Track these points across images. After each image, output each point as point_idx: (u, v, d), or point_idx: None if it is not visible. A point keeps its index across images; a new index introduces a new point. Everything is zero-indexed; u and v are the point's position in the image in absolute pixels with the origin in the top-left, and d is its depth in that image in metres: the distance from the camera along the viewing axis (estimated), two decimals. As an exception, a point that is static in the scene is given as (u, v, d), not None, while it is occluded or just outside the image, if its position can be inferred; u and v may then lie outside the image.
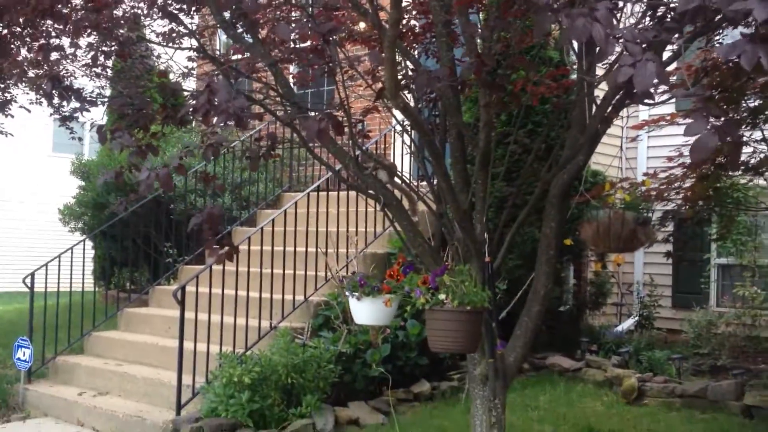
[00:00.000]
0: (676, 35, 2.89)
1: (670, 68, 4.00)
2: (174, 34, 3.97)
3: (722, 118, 2.05)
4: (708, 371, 7.35)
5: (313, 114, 3.58)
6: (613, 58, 2.56)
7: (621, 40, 2.07)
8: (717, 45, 4.31)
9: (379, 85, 3.82)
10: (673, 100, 3.61)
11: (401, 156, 8.80)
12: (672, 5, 2.85)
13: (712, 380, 6.96)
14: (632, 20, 3.66)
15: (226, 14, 3.85)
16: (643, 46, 2.10)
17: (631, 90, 2.69)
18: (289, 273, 7.19)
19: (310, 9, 3.90)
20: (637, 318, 9.23)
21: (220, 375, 5.93)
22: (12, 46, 6.10)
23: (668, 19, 2.94)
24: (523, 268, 7.42)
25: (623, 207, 4.14)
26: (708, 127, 1.97)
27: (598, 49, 2.34)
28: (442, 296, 3.69)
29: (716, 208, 6.07)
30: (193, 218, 3.64)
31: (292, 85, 4.36)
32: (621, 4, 3.16)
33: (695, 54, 4.76)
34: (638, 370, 7.31)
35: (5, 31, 5.90)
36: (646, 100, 2.97)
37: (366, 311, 4.12)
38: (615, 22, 2.54)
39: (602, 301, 9.19)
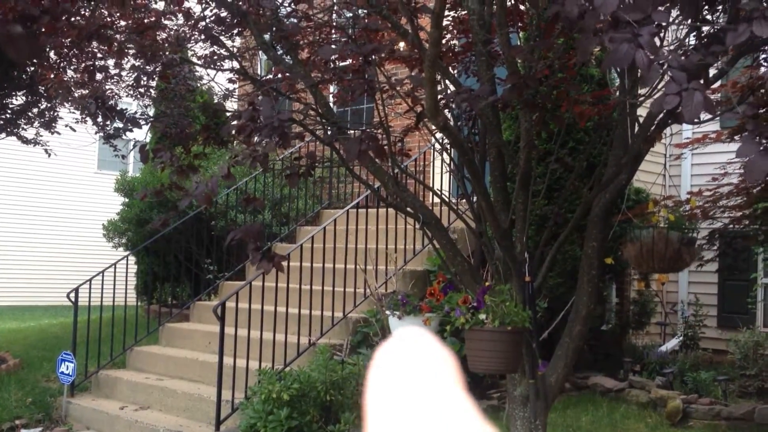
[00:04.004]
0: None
1: (715, 85, 3.94)
2: (215, 57, 4.02)
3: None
4: (755, 393, 7.17)
5: (352, 134, 3.59)
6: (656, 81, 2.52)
7: (665, 66, 2.03)
8: (763, 62, 4.23)
9: (419, 107, 3.82)
10: (718, 118, 3.54)
11: (440, 174, 8.79)
12: (716, 27, 2.80)
13: (759, 402, 6.78)
14: (673, 36, 3.60)
15: (266, 36, 3.88)
16: (688, 69, 2.05)
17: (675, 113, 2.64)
18: (328, 290, 7.21)
19: (351, 30, 3.92)
20: (681, 338, 9.04)
21: (259, 391, 5.94)
22: (54, 61, 6.23)
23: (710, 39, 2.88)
24: (564, 286, 7.33)
25: (667, 226, 4.07)
26: (760, 148, 1.92)
27: (640, 73, 2.31)
28: (482, 316, 3.66)
29: (763, 226, 5.93)
30: (231, 232, 3.66)
31: (331, 104, 4.38)
32: (664, 24, 3.11)
33: (740, 71, 4.68)
34: (683, 391, 7.15)
35: (51, 52, 6.03)
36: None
37: (405, 330, 4.10)
38: (658, 42, 2.50)
39: (645, 321, 9.03)
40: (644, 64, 1.96)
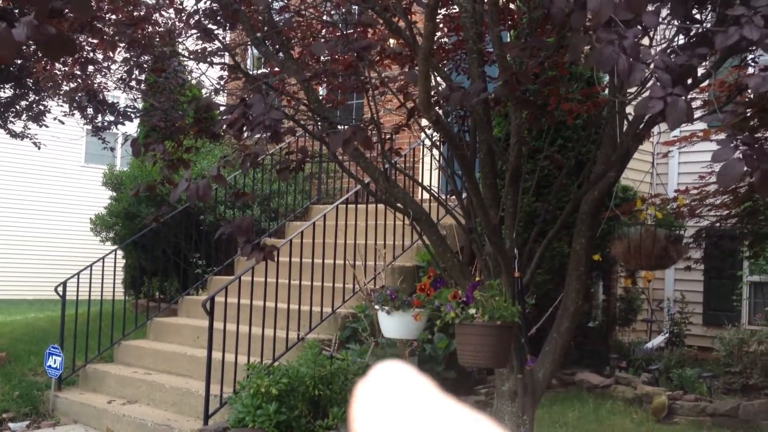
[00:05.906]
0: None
1: (703, 84, 3.98)
2: (207, 52, 4.02)
3: (754, 145, 2.02)
4: (740, 390, 7.25)
5: (342, 129, 3.60)
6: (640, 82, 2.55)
7: (651, 66, 2.05)
8: (750, 62, 4.27)
9: (410, 103, 3.84)
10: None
11: (430, 171, 8.81)
12: (705, 28, 2.83)
13: (743, 399, 6.86)
14: (662, 35, 3.64)
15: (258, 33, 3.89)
16: (674, 71, 2.07)
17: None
18: (317, 285, 7.22)
19: (342, 26, 3.93)
20: (667, 335, 9.12)
21: (248, 385, 5.95)
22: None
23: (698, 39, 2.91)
24: (552, 283, 7.38)
25: (655, 224, 4.11)
26: (736, 154, 1.95)
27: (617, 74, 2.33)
28: (472, 311, 3.69)
29: (748, 225, 5.99)
30: (221, 227, 3.67)
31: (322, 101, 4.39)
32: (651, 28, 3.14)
33: (728, 70, 4.72)
34: (668, 387, 7.22)
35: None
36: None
37: (395, 325, 4.13)
38: (647, 41, 2.52)
39: (632, 318, 9.10)
40: (625, 69, 1.98)
